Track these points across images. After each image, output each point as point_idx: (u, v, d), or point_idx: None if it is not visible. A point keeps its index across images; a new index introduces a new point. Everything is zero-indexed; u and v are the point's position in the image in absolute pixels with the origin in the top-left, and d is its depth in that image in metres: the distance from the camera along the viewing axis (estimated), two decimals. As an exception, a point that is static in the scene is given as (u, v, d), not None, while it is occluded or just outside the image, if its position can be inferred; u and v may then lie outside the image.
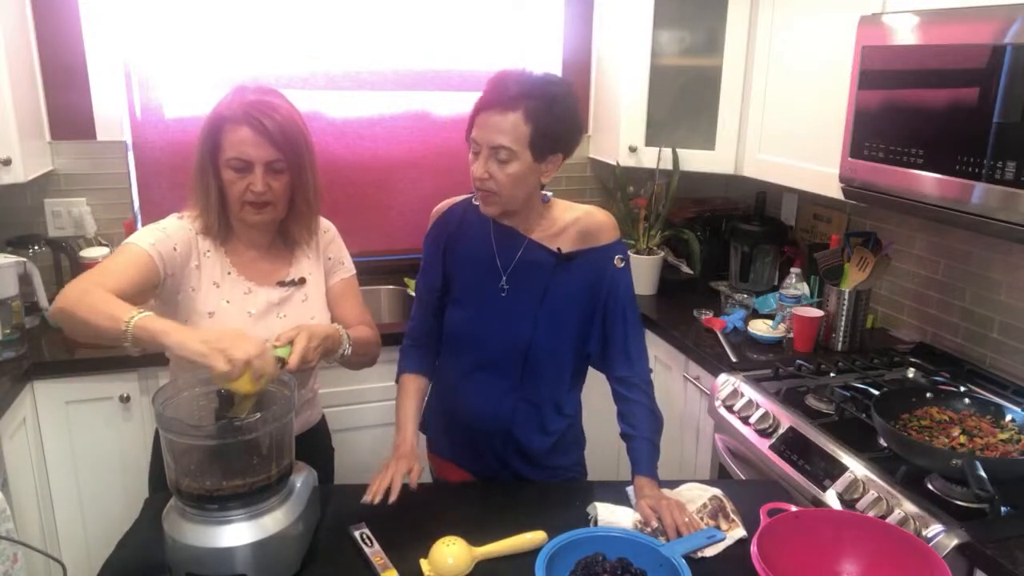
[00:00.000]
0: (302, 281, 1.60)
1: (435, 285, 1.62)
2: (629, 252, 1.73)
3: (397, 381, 1.66)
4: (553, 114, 1.39)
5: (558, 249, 1.53)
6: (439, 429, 1.71)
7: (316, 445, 1.72)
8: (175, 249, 1.47)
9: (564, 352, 1.58)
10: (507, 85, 1.39)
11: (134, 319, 1.24)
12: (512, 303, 1.54)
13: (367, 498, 1.37)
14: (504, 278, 1.54)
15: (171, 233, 1.48)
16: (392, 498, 1.37)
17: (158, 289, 1.47)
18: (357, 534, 1.34)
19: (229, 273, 1.54)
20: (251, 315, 1.53)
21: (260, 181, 1.44)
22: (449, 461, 1.70)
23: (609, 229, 1.56)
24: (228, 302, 1.52)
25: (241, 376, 1.18)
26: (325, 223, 1.68)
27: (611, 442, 1.74)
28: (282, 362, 1.32)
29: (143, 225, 2.56)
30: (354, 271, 1.72)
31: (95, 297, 1.30)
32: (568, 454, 1.67)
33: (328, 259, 1.66)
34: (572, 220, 1.55)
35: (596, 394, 1.70)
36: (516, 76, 1.41)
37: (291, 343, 1.36)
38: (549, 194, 1.56)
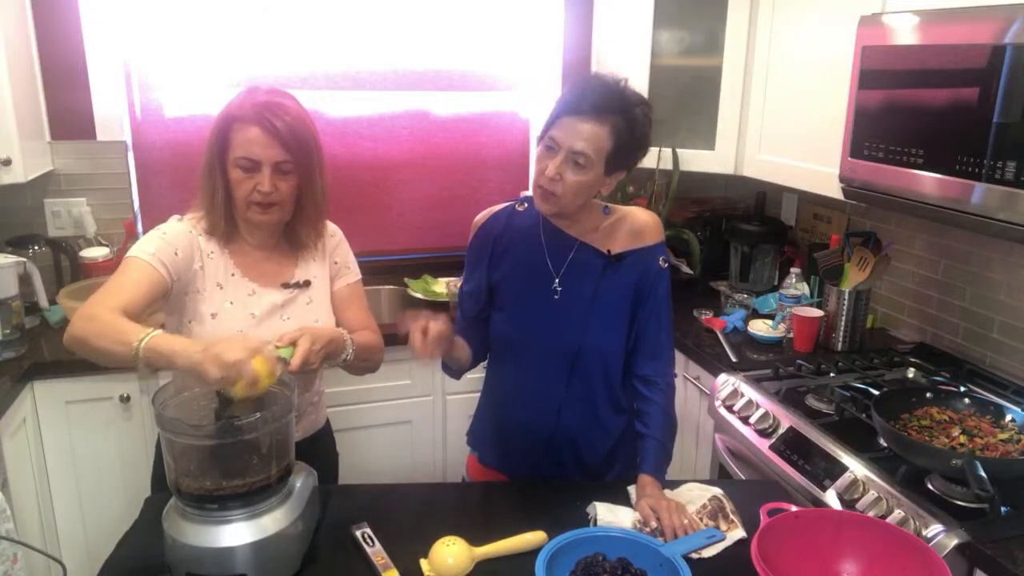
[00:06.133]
0: (307, 283, 1.60)
1: (480, 293, 1.60)
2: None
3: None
4: (634, 135, 1.40)
5: (608, 251, 1.53)
6: (489, 441, 1.68)
7: (321, 451, 1.71)
8: (176, 254, 1.46)
9: (615, 351, 1.56)
10: (598, 93, 1.38)
11: (143, 341, 1.24)
12: (563, 306, 1.53)
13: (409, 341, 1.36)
14: (557, 280, 1.53)
15: (171, 238, 1.48)
16: (431, 335, 1.35)
17: (168, 295, 1.47)
18: (359, 533, 1.33)
19: (233, 274, 1.53)
20: (254, 316, 1.53)
21: (267, 181, 1.44)
22: (498, 472, 1.67)
23: (654, 229, 1.57)
24: (232, 303, 1.52)
25: (236, 381, 1.18)
26: (332, 227, 1.68)
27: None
28: (284, 363, 1.32)
29: (143, 225, 2.60)
30: (360, 276, 1.71)
31: (103, 321, 1.30)
32: (622, 461, 1.64)
33: (334, 263, 1.66)
34: (617, 220, 1.55)
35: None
36: (608, 85, 1.40)
37: (294, 344, 1.36)
38: (609, 206, 1.56)
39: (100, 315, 1.31)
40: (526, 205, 1.56)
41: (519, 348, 1.58)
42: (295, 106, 1.48)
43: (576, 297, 1.53)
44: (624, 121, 1.38)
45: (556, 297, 1.53)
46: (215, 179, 1.47)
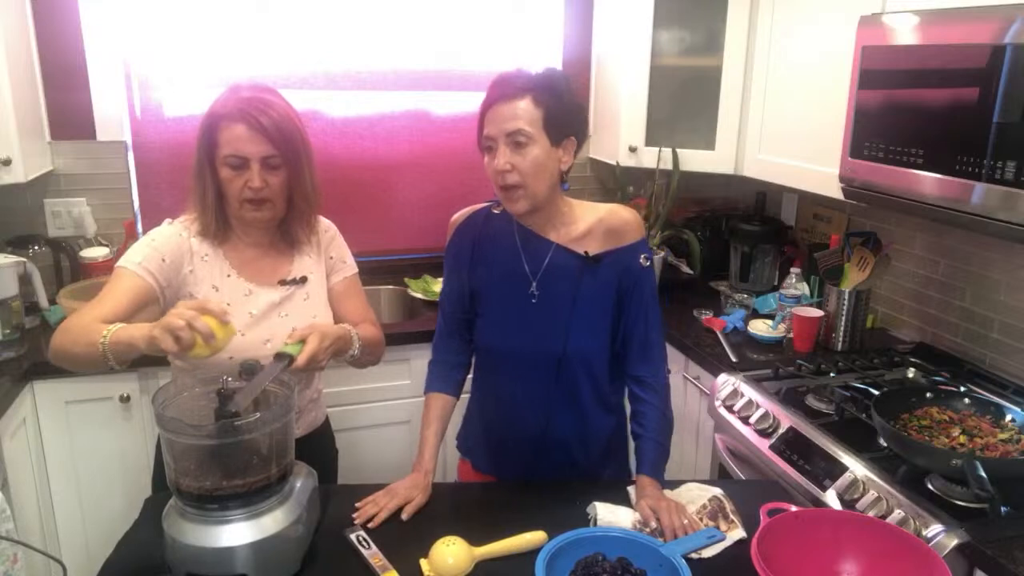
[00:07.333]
0: (303, 280, 1.60)
1: (463, 296, 1.59)
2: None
3: (425, 394, 1.64)
4: (560, 97, 1.41)
5: (585, 252, 1.51)
6: (481, 447, 1.68)
7: (321, 448, 1.72)
8: (163, 260, 1.48)
9: (599, 353, 1.55)
10: (510, 80, 1.41)
11: (107, 336, 1.28)
12: (543, 310, 1.52)
13: (355, 516, 1.42)
14: (534, 284, 1.52)
15: (159, 244, 1.49)
16: (372, 525, 1.39)
17: (161, 302, 1.48)
18: (353, 537, 1.34)
19: (229, 275, 1.54)
20: (252, 316, 1.53)
21: (257, 177, 1.44)
22: (492, 477, 1.67)
23: (634, 227, 1.53)
24: (228, 304, 1.51)
25: (194, 344, 1.22)
26: (326, 223, 1.68)
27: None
28: (290, 359, 1.32)
29: (143, 225, 2.60)
30: (356, 269, 1.72)
31: (77, 328, 1.34)
32: (616, 461, 1.64)
33: (330, 258, 1.66)
34: (596, 220, 1.52)
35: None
36: (516, 72, 1.43)
37: (303, 341, 1.37)
38: (567, 184, 1.52)
39: (75, 324, 1.36)
40: (502, 208, 1.53)
41: (503, 354, 1.57)
42: (279, 101, 1.49)
43: (555, 301, 1.51)
44: (543, 89, 1.39)
45: (534, 302, 1.52)
46: (205, 179, 1.48)
